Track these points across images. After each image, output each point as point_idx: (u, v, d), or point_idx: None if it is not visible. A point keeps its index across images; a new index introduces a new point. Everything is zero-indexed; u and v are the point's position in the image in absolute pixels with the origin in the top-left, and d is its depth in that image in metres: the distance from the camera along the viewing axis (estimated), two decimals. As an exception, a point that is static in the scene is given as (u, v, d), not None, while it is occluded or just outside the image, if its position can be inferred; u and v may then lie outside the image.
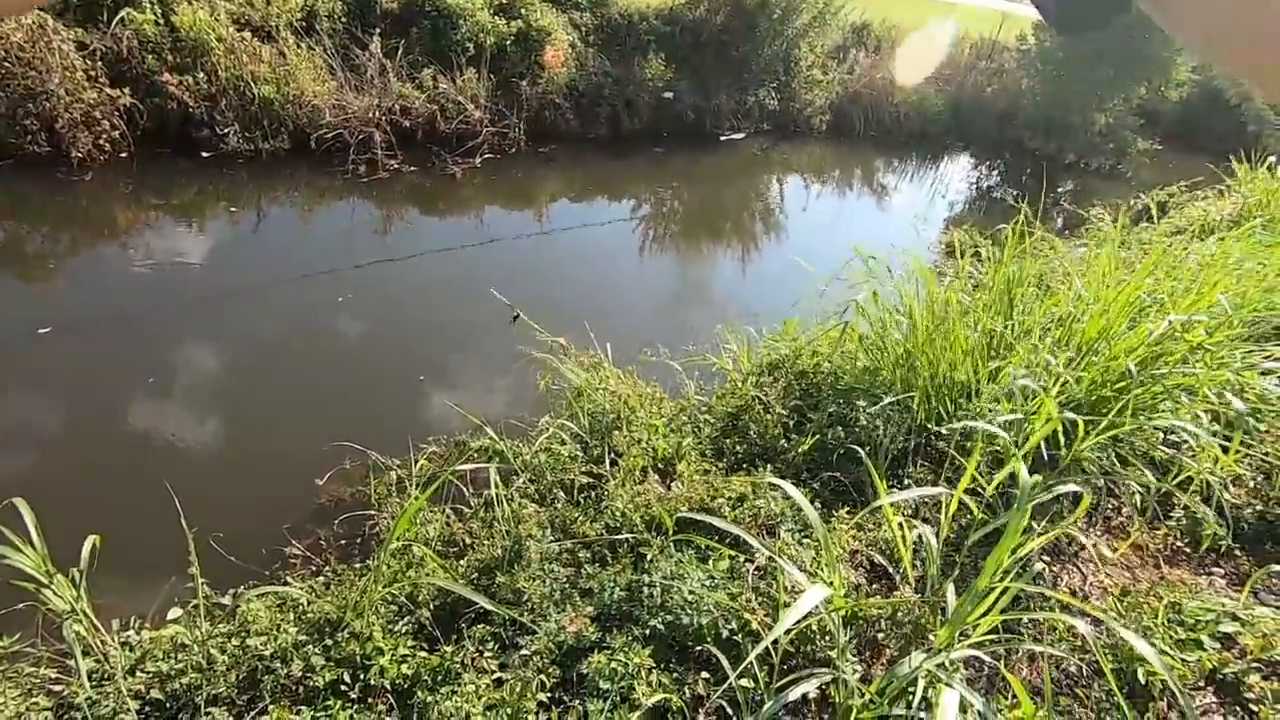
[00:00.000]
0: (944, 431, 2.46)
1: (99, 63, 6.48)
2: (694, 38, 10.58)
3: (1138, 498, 2.60)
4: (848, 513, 2.38)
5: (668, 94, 9.98)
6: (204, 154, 6.92)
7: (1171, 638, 2.11)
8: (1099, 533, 2.68)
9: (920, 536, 1.95)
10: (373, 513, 2.97)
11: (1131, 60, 11.84)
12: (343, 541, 3.09)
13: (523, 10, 9.02)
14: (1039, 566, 2.34)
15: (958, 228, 8.03)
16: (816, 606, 1.65)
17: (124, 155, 6.59)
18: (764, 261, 7.69)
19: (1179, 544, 2.62)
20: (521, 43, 8.90)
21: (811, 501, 2.02)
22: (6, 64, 5.96)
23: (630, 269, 6.93)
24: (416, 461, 3.08)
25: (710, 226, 8.49)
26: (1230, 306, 2.95)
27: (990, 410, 2.50)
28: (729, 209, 9.24)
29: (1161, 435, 2.72)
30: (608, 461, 2.78)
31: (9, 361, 4.14)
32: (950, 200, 10.73)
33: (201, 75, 6.86)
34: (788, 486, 1.83)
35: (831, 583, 1.92)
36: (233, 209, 6.45)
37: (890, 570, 2.28)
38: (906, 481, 2.58)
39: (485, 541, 2.49)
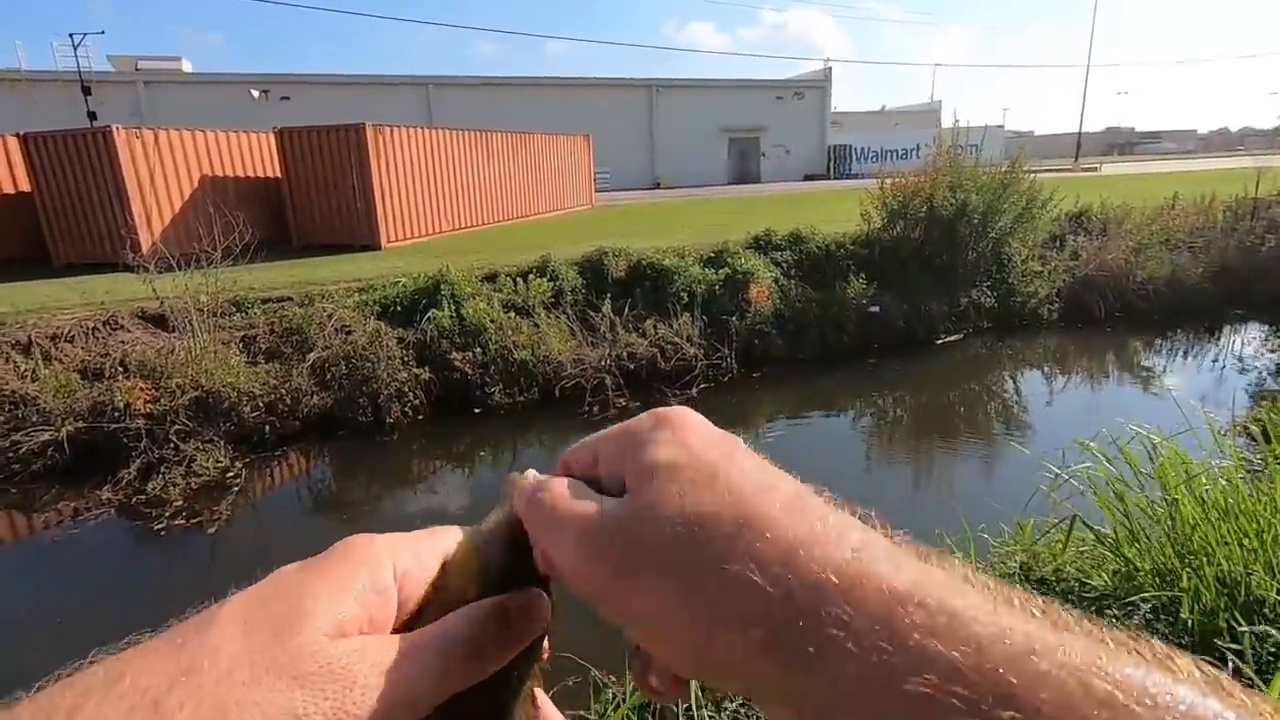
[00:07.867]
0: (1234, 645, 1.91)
1: (410, 350, 8.53)
2: (894, 254, 11.00)
3: None
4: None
5: (873, 308, 10.24)
6: (475, 410, 8.45)
7: None
8: None
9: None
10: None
11: None
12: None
13: (728, 260, 10.25)
14: None
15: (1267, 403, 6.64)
16: None
17: (420, 418, 8.30)
18: (1003, 461, 6.95)
19: None
20: (728, 285, 9.98)
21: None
22: (354, 360, 8.13)
23: (850, 474, 6.68)
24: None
25: (935, 428, 8.01)
26: None
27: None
28: (956, 410, 8.71)
29: None
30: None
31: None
32: (1249, 376, 9.03)
33: (478, 349, 8.65)
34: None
35: None
36: (491, 455, 7.67)
37: None
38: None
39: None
